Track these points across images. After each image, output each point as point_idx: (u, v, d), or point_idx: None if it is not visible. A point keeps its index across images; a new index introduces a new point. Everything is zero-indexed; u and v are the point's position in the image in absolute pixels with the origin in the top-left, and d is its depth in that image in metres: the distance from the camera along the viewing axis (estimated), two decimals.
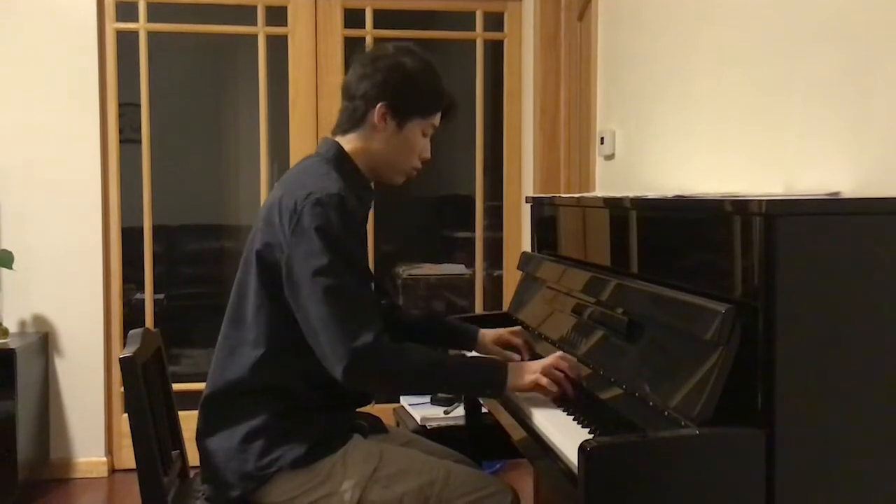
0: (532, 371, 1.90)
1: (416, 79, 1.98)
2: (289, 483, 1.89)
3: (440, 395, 3.16)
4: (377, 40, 3.97)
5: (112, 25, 3.82)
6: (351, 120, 2.00)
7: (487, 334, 2.31)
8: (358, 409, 2.09)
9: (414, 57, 2.00)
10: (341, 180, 1.91)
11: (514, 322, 2.50)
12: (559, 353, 1.96)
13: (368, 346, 1.79)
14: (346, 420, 2.01)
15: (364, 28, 4.00)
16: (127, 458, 3.83)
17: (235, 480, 1.90)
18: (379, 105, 1.96)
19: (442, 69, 2.05)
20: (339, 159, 1.99)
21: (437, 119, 2.04)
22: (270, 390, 1.92)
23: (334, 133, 2.05)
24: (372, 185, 2.08)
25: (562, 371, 1.89)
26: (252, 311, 1.92)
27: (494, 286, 4.34)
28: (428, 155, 2.06)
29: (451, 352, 2.35)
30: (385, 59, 1.98)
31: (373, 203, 2.13)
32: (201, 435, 1.98)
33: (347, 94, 2.01)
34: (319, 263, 1.81)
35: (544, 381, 1.88)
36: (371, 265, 3.97)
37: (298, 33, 3.97)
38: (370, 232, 4.01)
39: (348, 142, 2.01)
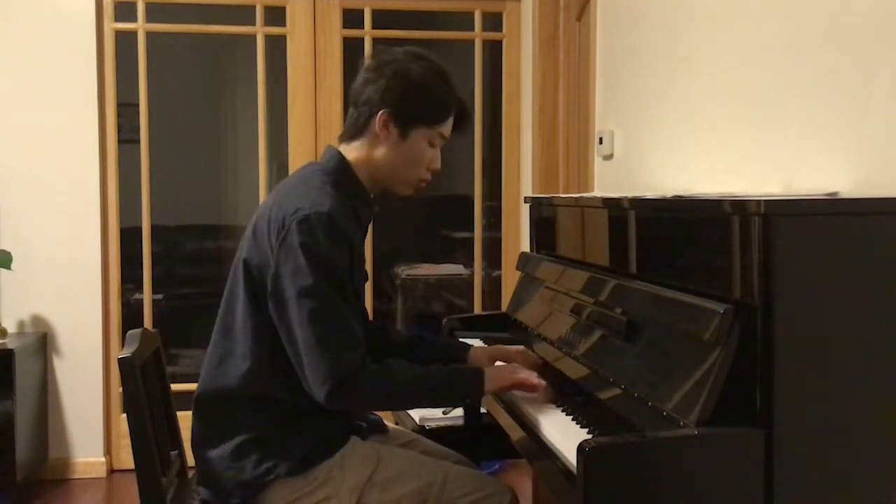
0: (510, 372, 1.94)
1: (421, 85, 1.88)
2: (287, 489, 1.87)
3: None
4: (376, 41, 3.97)
5: (110, 25, 3.82)
6: (354, 127, 1.93)
7: (480, 352, 2.15)
8: None
9: (422, 62, 1.90)
10: (336, 195, 1.85)
11: (513, 322, 2.50)
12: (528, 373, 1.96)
13: (351, 371, 1.78)
14: (341, 423, 1.97)
15: (363, 28, 4.00)
16: (125, 459, 3.83)
17: (234, 488, 1.89)
18: (381, 112, 1.88)
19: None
20: (339, 171, 1.92)
21: (445, 128, 1.94)
22: (260, 400, 1.89)
23: (340, 140, 1.98)
24: (388, 193, 2.02)
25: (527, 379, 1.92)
26: (240, 322, 1.89)
27: (493, 286, 4.34)
28: (437, 166, 1.96)
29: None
30: (391, 64, 1.89)
31: (372, 217, 2.06)
32: (196, 442, 1.95)
33: (353, 100, 1.94)
34: (304, 283, 1.77)
35: (519, 382, 1.92)
36: (370, 265, 4.04)
37: (297, 33, 3.96)
38: (368, 232, 4.03)
39: (352, 150, 1.94)
